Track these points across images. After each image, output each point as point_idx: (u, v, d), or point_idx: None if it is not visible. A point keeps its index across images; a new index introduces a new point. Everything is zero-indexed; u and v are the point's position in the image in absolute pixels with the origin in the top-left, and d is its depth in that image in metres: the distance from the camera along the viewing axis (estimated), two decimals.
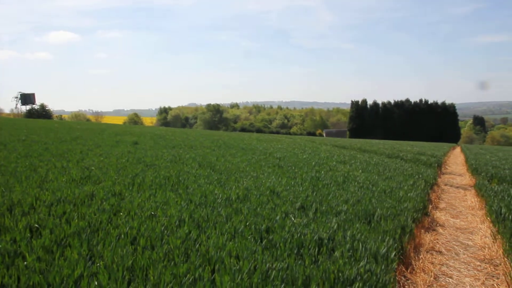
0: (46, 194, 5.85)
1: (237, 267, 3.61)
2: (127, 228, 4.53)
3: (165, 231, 4.56)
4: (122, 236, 4.33)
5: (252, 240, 4.49)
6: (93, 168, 8.54)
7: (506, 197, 8.43)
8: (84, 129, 23.66)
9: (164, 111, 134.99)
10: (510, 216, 6.71)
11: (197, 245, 4.18)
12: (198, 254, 3.96)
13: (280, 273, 3.55)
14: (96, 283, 3.24)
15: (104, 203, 5.64)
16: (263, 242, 4.45)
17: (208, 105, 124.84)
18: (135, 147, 14.02)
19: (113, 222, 4.83)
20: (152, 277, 3.39)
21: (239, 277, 3.41)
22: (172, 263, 3.70)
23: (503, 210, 7.12)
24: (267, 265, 3.69)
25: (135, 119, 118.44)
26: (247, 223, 5.06)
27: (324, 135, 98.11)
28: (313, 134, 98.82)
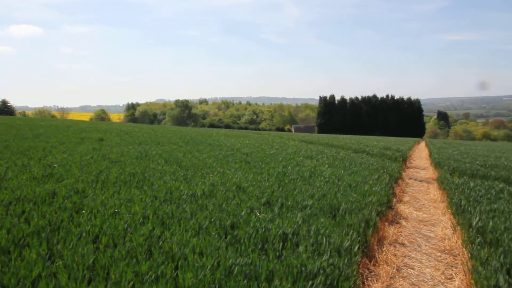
0: (4, 193, 5.67)
1: (200, 264, 3.59)
2: (89, 226, 4.44)
3: (129, 229, 4.50)
4: (84, 234, 4.25)
5: (217, 236, 4.47)
6: (55, 165, 8.33)
7: (466, 190, 8.66)
8: (48, 126, 23.05)
9: (131, 107, 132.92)
10: (469, 208, 6.90)
11: (161, 242, 4.13)
12: (162, 251, 3.93)
13: (243, 269, 3.55)
14: (54, 283, 3.17)
15: (66, 201, 5.51)
16: (228, 238, 4.45)
17: (177, 101, 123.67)
18: (101, 144, 13.75)
19: (74, 220, 4.72)
20: (113, 276, 3.34)
21: (202, 273, 3.39)
22: (135, 260, 3.65)
23: (462, 203, 7.32)
24: (231, 261, 3.68)
25: (102, 115, 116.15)
26: (212, 219, 5.04)
27: (293, 130, 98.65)
28: (282, 130, 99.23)
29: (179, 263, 3.66)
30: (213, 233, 4.52)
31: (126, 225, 4.57)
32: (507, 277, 3.92)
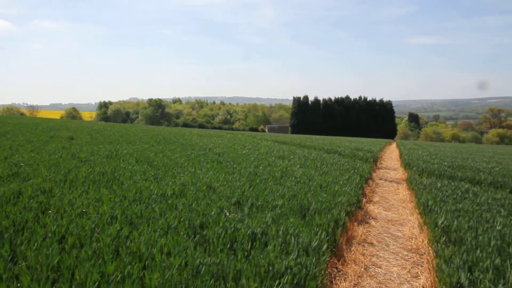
0: None
1: (168, 264, 3.57)
2: (55, 227, 4.36)
3: (96, 229, 4.44)
4: (49, 235, 4.16)
5: (185, 236, 4.46)
6: (22, 164, 8.14)
7: (433, 190, 8.85)
8: (16, 124, 22.49)
9: (104, 105, 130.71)
10: (435, 208, 7.06)
11: (129, 242, 4.10)
12: (129, 251, 3.89)
13: (211, 268, 3.55)
14: (16, 285, 3.11)
15: (32, 201, 5.39)
16: (196, 238, 4.44)
17: (150, 100, 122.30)
18: (70, 143, 13.52)
19: (40, 220, 4.63)
20: (78, 277, 3.29)
21: (169, 273, 3.38)
22: (101, 261, 3.60)
23: (429, 203, 7.48)
24: (198, 261, 3.68)
25: (73, 113, 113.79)
26: (182, 219, 5.03)
27: (267, 130, 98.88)
28: (256, 130, 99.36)
29: (147, 263, 3.64)
30: (182, 233, 4.51)
31: (93, 225, 4.51)
32: (468, 274, 4.03)
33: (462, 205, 7.33)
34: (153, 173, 8.22)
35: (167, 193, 6.46)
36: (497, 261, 4.31)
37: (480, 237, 5.24)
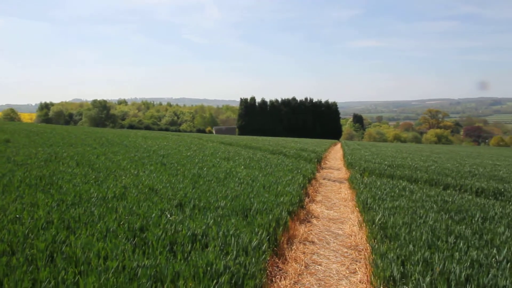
0: None
1: (104, 267, 3.51)
2: None
3: (30, 234, 4.29)
4: None
5: (124, 239, 4.39)
6: None
7: (373, 189, 9.15)
8: None
9: (45, 106, 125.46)
10: (374, 206, 7.31)
11: (64, 247, 3.99)
12: (64, 256, 3.79)
13: (149, 271, 3.52)
14: None
15: None
16: (136, 241, 4.38)
17: (94, 101, 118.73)
18: (6, 146, 12.95)
19: None
20: (7, 285, 3.18)
21: (105, 277, 3.32)
22: (33, 268, 3.49)
23: (368, 201, 7.73)
24: (136, 264, 3.64)
25: (11, 115, 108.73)
26: (121, 222, 4.95)
27: (214, 132, 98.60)
28: (203, 131, 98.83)
29: (82, 267, 3.56)
30: (121, 236, 4.44)
31: (27, 231, 4.35)
32: (401, 267, 4.21)
33: (398, 202, 7.62)
34: (94, 176, 8.03)
35: (107, 196, 6.34)
36: (427, 254, 4.53)
37: (414, 232, 5.47)
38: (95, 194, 6.37)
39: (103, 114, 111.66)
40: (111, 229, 4.62)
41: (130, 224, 4.89)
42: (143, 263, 3.68)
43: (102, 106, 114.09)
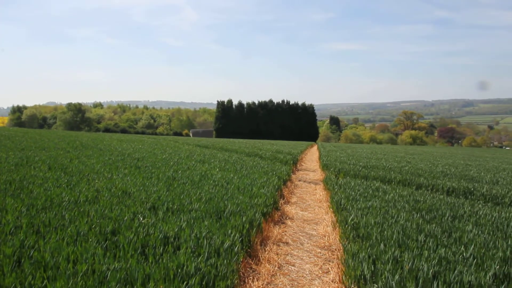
0: None
1: (73, 271, 3.47)
2: None
3: None
4: None
5: (95, 242, 4.35)
6: None
7: (347, 190, 9.25)
8: None
9: (17, 110, 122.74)
10: (347, 206, 7.39)
11: (33, 252, 3.92)
12: (33, 261, 3.73)
13: (119, 274, 3.50)
14: None
15: None
16: (107, 244, 4.34)
17: (69, 104, 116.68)
18: None
19: None
20: None
21: (73, 281, 3.29)
22: None
23: (342, 201, 7.81)
24: (106, 267, 3.61)
25: None
26: (93, 226, 4.90)
27: (191, 135, 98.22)
28: (180, 134, 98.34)
29: (51, 272, 3.51)
30: (92, 240, 4.39)
31: None
32: (372, 266, 4.27)
33: (371, 202, 7.72)
34: (66, 180, 7.92)
35: (79, 200, 6.26)
36: (397, 252, 4.61)
37: (385, 232, 5.56)
38: (67, 198, 6.29)
39: (78, 118, 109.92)
40: (82, 233, 4.56)
41: (102, 227, 4.84)
42: (113, 266, 3.64)
43: (77, 110, 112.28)
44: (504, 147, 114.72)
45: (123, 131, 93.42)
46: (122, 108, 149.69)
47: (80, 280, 3.32)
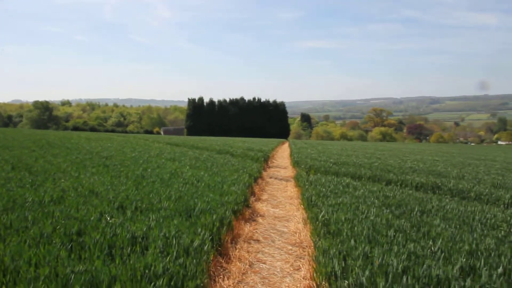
0: None
1: (35, 275, 3.34)
2: None
3: None
4: None
5: (59, 244, 4.20)
6: None
7: (318, 186, 9.26)
8: None
9: None
10: (318, 203, 7.39)
11: None
12: None
13: (83, 277, 3.38)
14: None
15: None
16: (72, 245, 4.21)
17: (36, 102, 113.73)
18: None
19: None
20: None
21: (35, 285, 3.16)
22: None
23: (313, 198, 7.82)
24: (70, 269, 3.48)
25: None
26: (58, 227, 4.74)
27: (162, 133, 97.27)
28: (151, 132, 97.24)
29: (10, 276, 3.37)
30: (56, 242, 4.24)
31: None
32: (342, 263, 4.27)
33: (342, 199, 7.75)
34: (30, 180, 7.69)
35: (44, 200, 6.07)
36: (367, 248, 4.62)
37: (355, 228, 5.57)
38: (31, 198, 6.09)
39: (45, 116, 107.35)
40: (46, 235, 4.41)
41: (67, 228, 4.69)
42: (78, 269, 3.52)
43: (44, 107, 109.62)
44: (469, 143, 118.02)
45: (92, 129, 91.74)
46: (91, 106, 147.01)
47: (41, 284, 3.19)
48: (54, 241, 4.25)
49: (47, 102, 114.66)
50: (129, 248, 4.22)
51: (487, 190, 9.68)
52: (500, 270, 4.14)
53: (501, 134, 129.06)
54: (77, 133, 37.40)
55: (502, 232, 5.89)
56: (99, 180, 8.08)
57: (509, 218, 6.84)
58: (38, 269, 3.47)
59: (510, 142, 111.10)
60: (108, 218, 5.26)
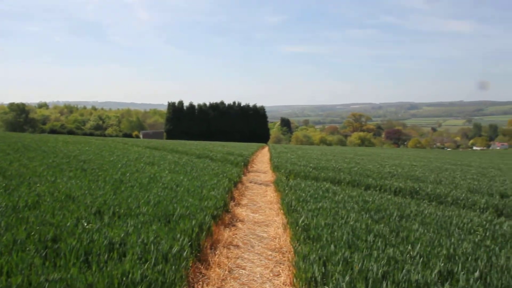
0: None
1: (6, 284, 3.23)
2: None
3: None
4: None
5: (34, 251, 4.09)
6: None
7: (297, 191, 9.26)
8: None
9: None
10: (298, 208, 7.39)
11: None
12: None
13: (58, 285, 3.29)
14: None
15: None
16: (47, 252, 4.10)
17: (11, 104, 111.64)
18: None
19: None
20: None
21: None
22: None
23: (293, 203, 7.81)
24: (42, 278, 3.38)
25: None
26: (32, 233, 4.61)
27: (141, 136, 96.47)
28: (130, 136, 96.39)
29: None
30: (30, 248, 4.12)
31: None
32: (322, 268, 4.25)
33: (322, 203, 7.76)
34: (4, 184, 7.48)
35: (18, 205, 5.91)
36: (347, 253, 4.62)
37: (335, 233, 5.57)
38: (4, 203, 5.91)
39: (22, 118, 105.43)
40: (19, 241, 4.28)
41: (42, 234, 4.57)
42: (52, 277, 3.43)
43: (20, 110, 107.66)
44: (445, 148, 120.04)
45: (70, 132, 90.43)
46: (69, 109, 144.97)
47: None
48: (28, 248, 4.12)
49: (23, 104, 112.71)
50: (106, 255, 4.13)
51: (463, 195, 9.84)
52: (477, 274, 4.20)
53: (476, 139, 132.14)
54: (54, 136, 36.77)
55: (479, 236, 5.98)
56: (76, 184, 7.93)
57: (484, 222, 6.95)
58: (10, 278, 3.36)
59: (484, 148, 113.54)
60: (85, 224, 5.14)
